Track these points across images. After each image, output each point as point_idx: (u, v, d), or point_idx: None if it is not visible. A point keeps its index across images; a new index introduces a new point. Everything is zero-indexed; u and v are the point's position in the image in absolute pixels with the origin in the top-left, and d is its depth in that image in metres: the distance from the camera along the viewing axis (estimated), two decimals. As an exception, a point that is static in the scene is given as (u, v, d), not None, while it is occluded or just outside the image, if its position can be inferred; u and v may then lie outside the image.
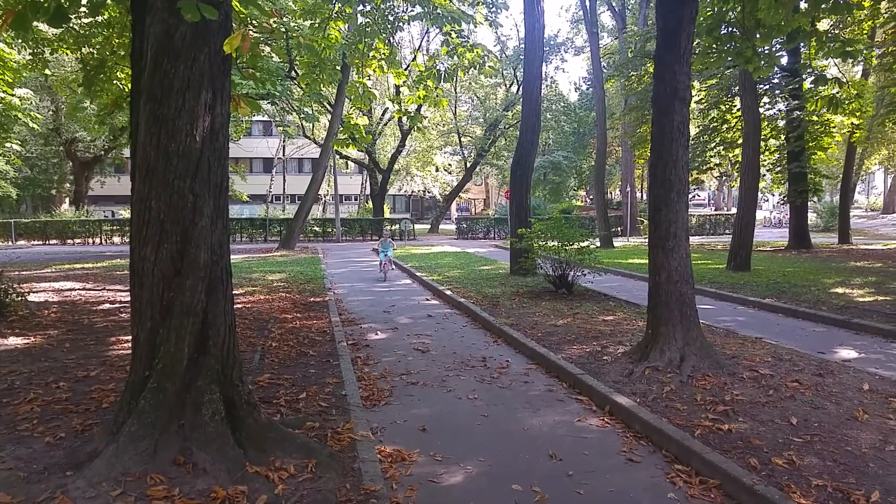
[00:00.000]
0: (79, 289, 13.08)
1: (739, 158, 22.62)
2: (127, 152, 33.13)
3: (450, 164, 54.22)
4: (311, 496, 3.71)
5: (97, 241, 32.07)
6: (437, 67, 11.64)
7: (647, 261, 7.03)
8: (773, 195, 29.40)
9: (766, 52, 8.98)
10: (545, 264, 12.69)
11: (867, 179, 64.57)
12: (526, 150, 15.50)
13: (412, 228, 35.85)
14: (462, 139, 43.67)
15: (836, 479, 3.98)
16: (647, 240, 26.37)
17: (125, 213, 38.64)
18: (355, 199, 58.11)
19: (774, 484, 3.88)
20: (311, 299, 11.99)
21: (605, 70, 29.81)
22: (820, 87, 11.12)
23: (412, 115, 12.53)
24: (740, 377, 6.10)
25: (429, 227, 43.51)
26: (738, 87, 21.11)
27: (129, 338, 7.84)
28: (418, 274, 15.99)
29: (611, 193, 52.61)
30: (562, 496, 4.06)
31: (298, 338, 8.38)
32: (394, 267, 16.75)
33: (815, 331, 9.10)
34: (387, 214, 42.35)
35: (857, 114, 19.46)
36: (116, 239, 32.40)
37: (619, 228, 33.20)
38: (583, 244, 12.08)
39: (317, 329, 9.03)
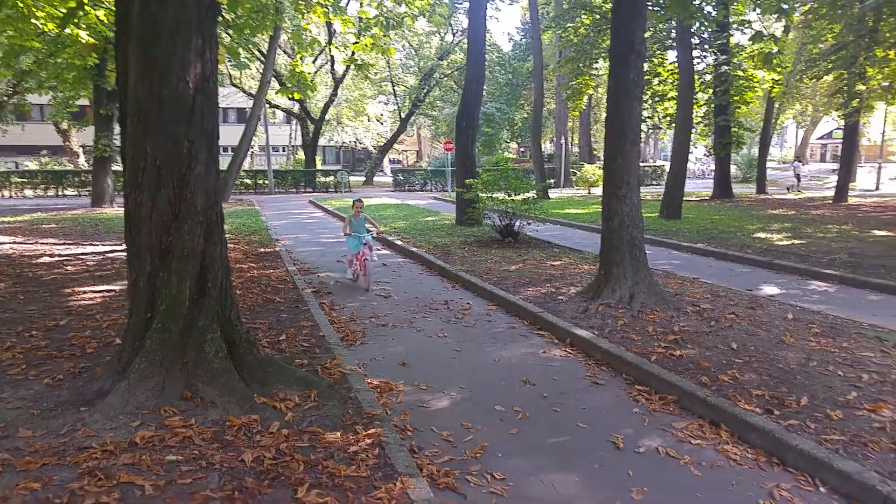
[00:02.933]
0: (9, 242, 12.55)
1: (669, 111, 23.53)
2: (31, 98, 30.72)
3: (382, 115, 53.44)
4: (320, 421, 4.00)
5: (7, 194, 29.94)
6: (384, 15, 11.62)
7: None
8: (696, 147, 30.78)
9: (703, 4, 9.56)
10: (492, 214, 13.05)
11: (781, 133, 68.41)
12: (471, 98, 15.46)
13: (348, 180, 35.49)
14: (396, 88, 43.05)
15: (771, 389, 4.64)
16: (580, 191, 26.99)
17: (30, 165, 36.15)
18: (283, 150, 56.66)
19: (723, 396, 4.49)
20: (261, 250, 11.99)
21: (540, 21, 29.96)
22: (753, 43, 11.85)
23: (360, 62, 12.47)
24: (685, 311, 6.77)
25: (363, 179, 43.07)
26: (669, 41, 21.82)
27: (86, 289, 7.94)
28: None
29: (543, 145, 53.39)
30: (541, 413, 4.53)
31: (261, 286, 8.49)
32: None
33: (742, 271, 10.03)
34: (318, 166, 41.56)
35: (778, 69, 20.50)
36: (29, 192, 30.28)
37: (552, 180, 33.99)
38: (528, 195, 12.53)
39: (276, 278, 9.15)
